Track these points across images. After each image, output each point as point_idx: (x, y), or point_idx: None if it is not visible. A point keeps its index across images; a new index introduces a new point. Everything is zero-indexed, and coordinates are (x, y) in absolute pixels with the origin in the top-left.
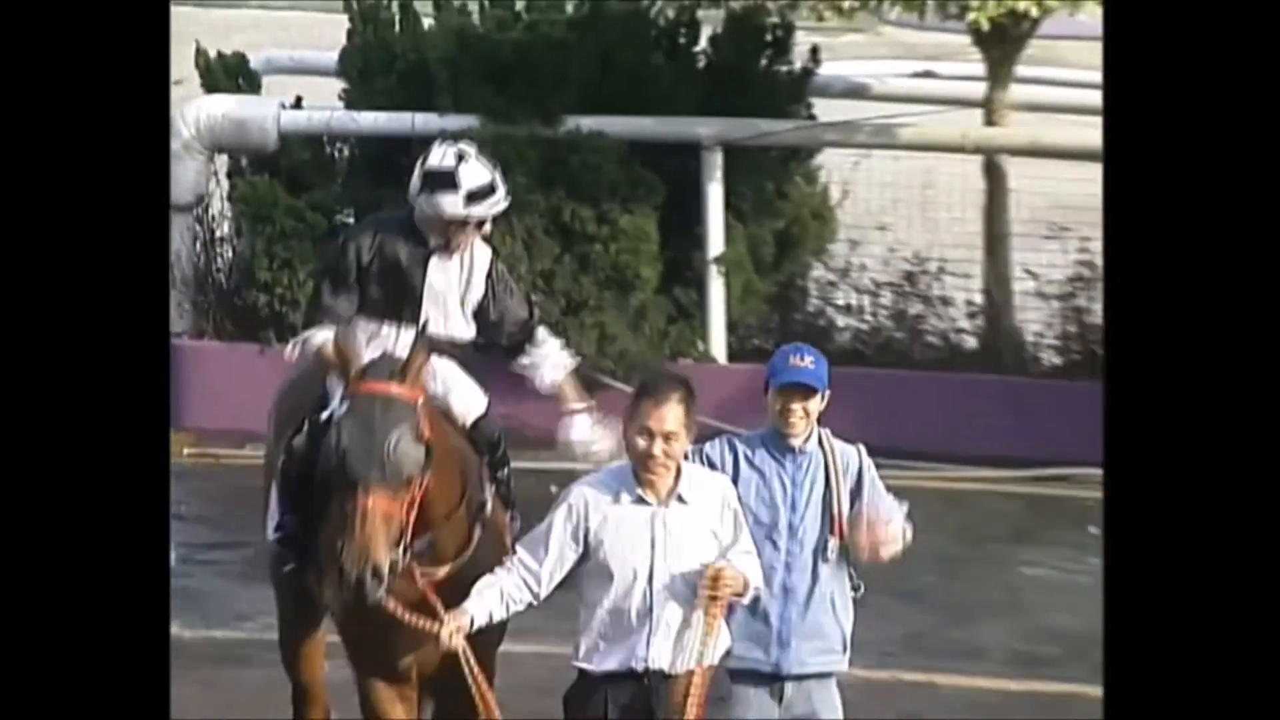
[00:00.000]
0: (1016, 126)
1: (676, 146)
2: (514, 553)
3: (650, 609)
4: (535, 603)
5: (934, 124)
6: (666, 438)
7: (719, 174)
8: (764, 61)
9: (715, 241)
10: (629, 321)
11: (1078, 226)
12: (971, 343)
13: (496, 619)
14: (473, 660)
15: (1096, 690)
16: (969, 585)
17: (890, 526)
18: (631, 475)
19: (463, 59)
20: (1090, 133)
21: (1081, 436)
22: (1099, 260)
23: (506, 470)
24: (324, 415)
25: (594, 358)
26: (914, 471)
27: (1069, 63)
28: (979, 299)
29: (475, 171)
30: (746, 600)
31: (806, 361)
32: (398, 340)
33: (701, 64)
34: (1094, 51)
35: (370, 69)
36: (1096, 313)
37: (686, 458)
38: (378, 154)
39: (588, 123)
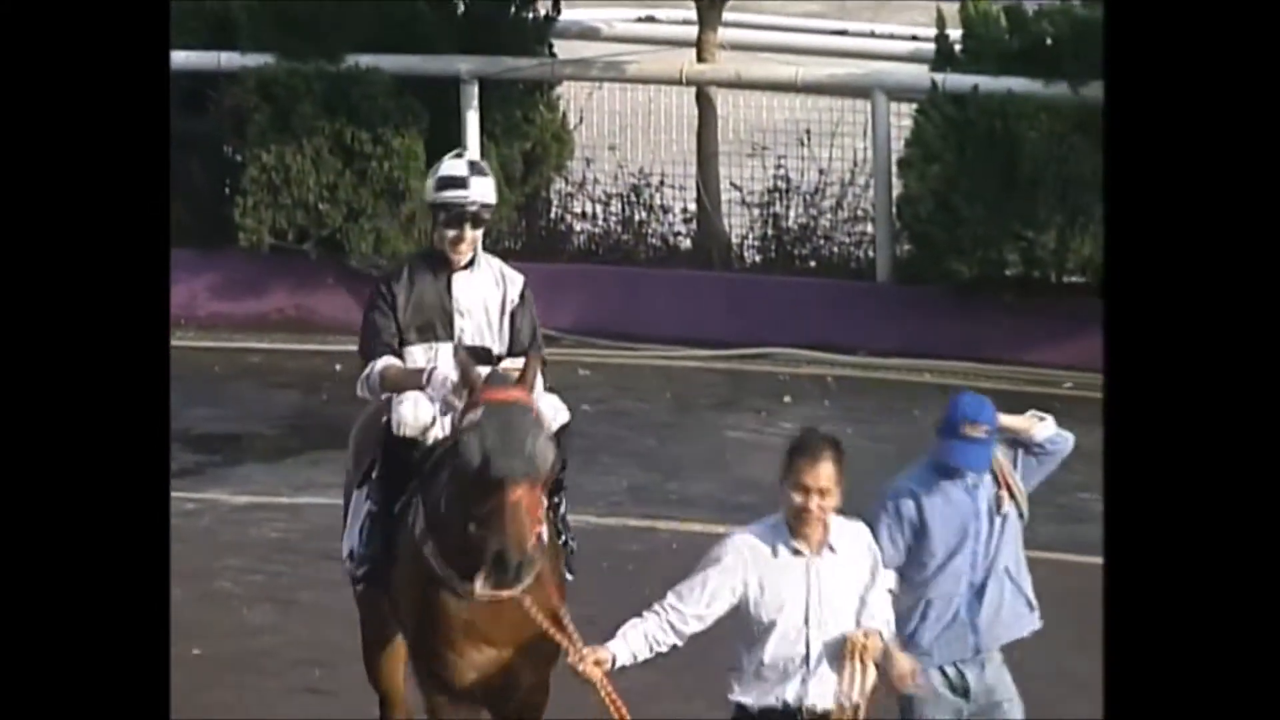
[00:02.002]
0: (723, 63)
1: (439, 80)
2: (670, 597)
3: (807, 652)
4: (678, 645)
5: (654, 61)
6: (821, 493)
7: (475, 103)
8: (513, 9)
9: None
10: (401, 226)
11: (774, 147)
12: (687, 244)
13: (639, 659)
14: (613, 692)
15: None
16: (682, 446)
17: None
18: (785, 528)
19: (261, 8)
20: (783, 68)
21: (777, 321)
22: (792, 174)
23: (563, 495)
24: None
25: (370, 257)
26: (638, 352)
27: (766, 9)
28: (693, 207)
29: (454, 165)
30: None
31: (980, 432)
32: (437, 356)
33: (460, 10)
34: None
35: (183, 16)
36: (791, 217)
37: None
38: (191, 88)
39: (365, 60)
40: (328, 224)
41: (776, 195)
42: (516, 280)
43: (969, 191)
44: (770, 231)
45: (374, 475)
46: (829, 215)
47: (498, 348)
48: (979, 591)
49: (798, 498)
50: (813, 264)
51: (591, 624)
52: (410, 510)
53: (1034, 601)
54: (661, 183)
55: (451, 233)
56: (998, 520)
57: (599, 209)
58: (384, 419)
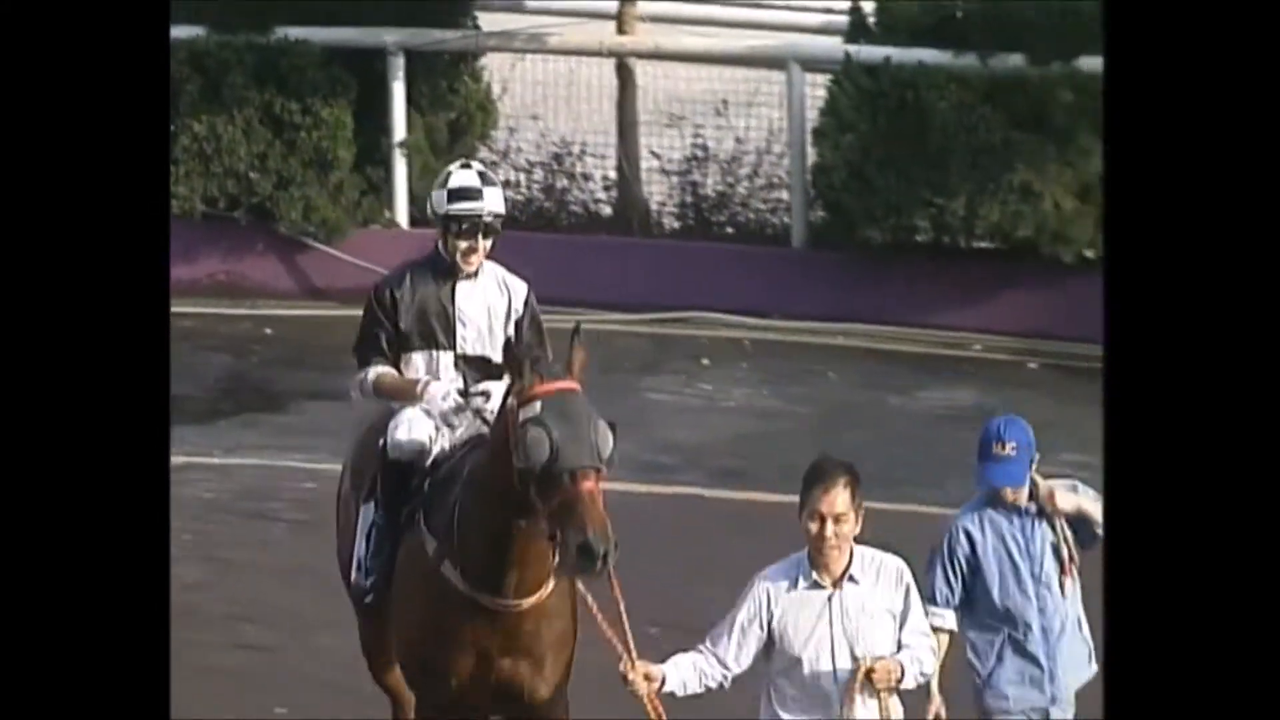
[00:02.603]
0: (643, 35)
1: (367, 52)
2: (706, 641)
3: (835, 684)
4: (725, 684)
5: (576, 33)
6: (836, 520)
7: (402, 74)
8: None
9: (399, 129)
10: (329, 194)
11: (692, 117)
12: (608, 211)
13: (688, 690)
14: (659, 707)
15: (706, 491)
16: (604, 407)
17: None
18: (806, 561)
19: None
20: (701, 40)
21: (695, 286)
22: (710, 143)
23: None
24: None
25: (300, 224)
26: (559, 316)
27: None
28: (613, 175)
29: (464, 175)
30: (909, 685)
31: (1008, 450)
32: (438, 363)
33: None
34: None
35: None
36: (709, 185)
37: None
38: None
39: (294, 32)
40: (258, 192)
41: (694, 164)
42: (520, 288)
43: (881, 160)
44: (689, 199)
45: (377, 491)
46: (745, 183)
47: (498, 356)
48: (1054, 639)
49: (813, 525)
50: (730, 230)
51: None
52: (415, 528)
53: (1093, 650)
54: (583, 151)
55: (465, 244)
56: (1068, 574)
57: (522, 177)
58: (382, 440)
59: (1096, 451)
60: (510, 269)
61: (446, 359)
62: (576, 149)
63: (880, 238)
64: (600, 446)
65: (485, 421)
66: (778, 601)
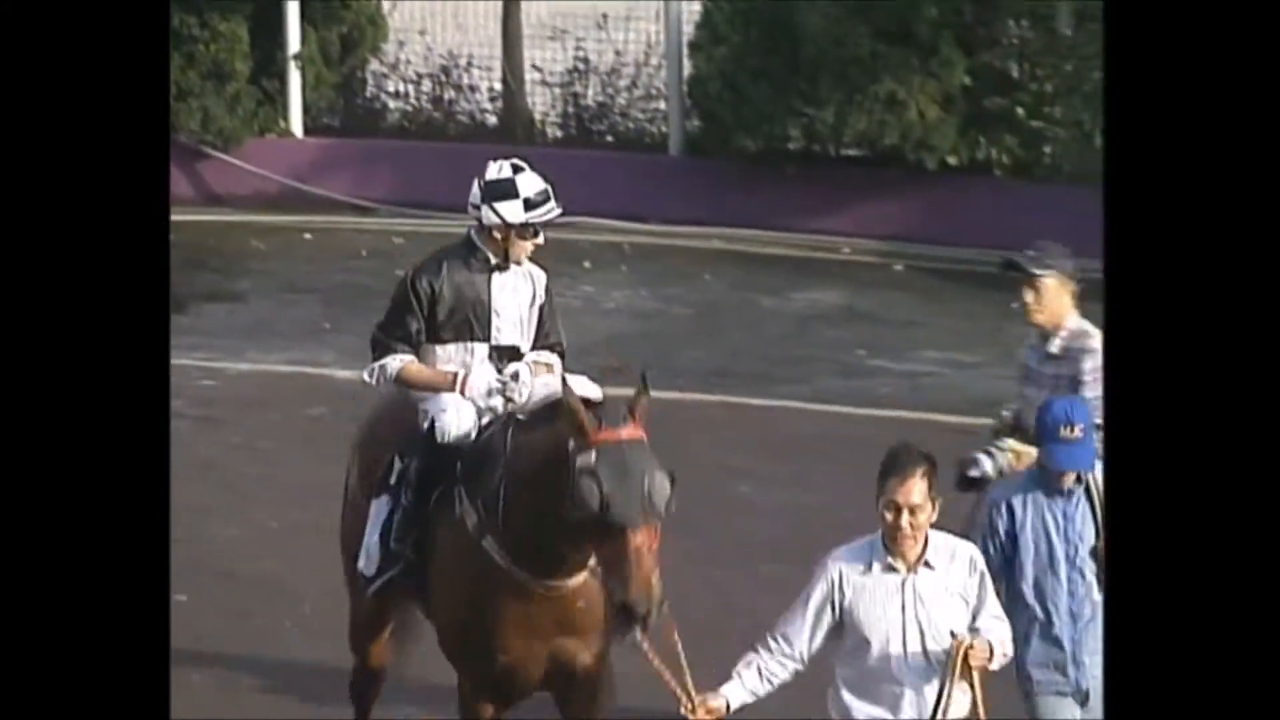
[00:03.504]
0: None
1: None
2: (777, 626)
3: (906, 668)
4: (801, 671)
5: None
6: (913, 510)
7: None
8: None
9: (293, 42)
10: (226, 105)
11: (573, 30)
12: (493, 121)
13: (758, 697)
14: None
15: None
16: None
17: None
18: (881, 544)
19: None
20: None
21: (577, 193)
22: (591, 56)
23: None
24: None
25: (198, 133)
26: (448, 222)
27: None
28: (498, 87)
29: (531, 181)
30: (995, 667)
31: (1076, 433)
32: (472, 355)
33: None
34: None
35: None
36: (590, 96)
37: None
38: None
39: None
40: None
41: (576, 75)
42: (540, 276)
43: (754, 71)
44: (570, 109)
45: (405, 474)
46: (624, 94)
47: (525, 345)
48: (1082, 624)
49: (889, 515)
50: (610, 139)
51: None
52: (453, 504)
53: None
54: (469, 64)
55: (528, 243)
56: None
57: (411, 88)
58: (413, 421)
59: (956, 349)
60: (402, 176)
61: (481, 350)
62: (463, 62)
63: (753, 146)
64: (654, 499)
65: (509, 400)
66: (850, 583)
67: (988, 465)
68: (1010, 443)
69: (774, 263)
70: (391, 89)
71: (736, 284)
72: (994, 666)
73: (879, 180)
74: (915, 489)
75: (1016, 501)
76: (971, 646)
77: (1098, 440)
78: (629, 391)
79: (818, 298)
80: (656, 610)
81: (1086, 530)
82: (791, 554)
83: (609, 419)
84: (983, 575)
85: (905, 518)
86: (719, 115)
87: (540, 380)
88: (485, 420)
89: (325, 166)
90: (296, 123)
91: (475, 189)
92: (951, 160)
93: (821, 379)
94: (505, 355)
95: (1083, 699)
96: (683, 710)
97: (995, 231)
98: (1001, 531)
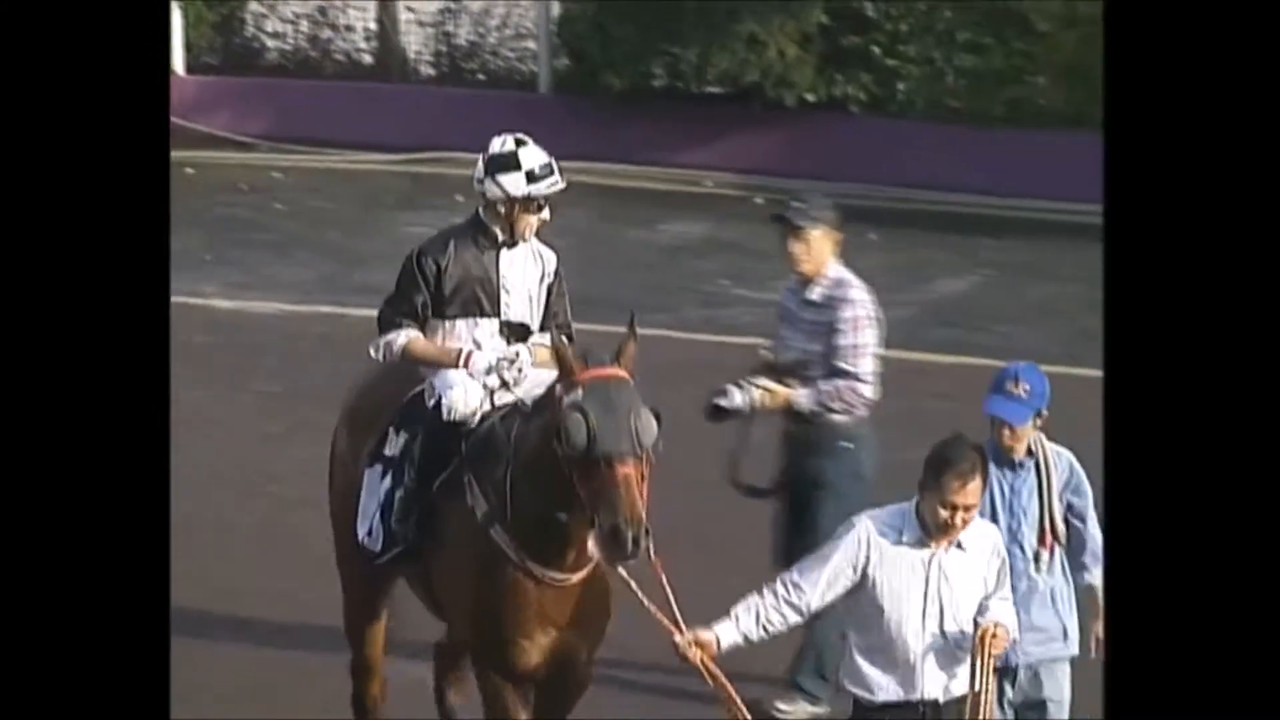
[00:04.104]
0: None
1: None
2: (788, 573)
3: (921, 644)
4: (799, 621)
5: None
6: (967, 509)
7: None
8: None
9: None
10: None
11: None
12: (368, 59)
13: (749, 642)
14: (718, 675)
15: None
16: (366, 241)
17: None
18: (914, 515)
19: None
20: None
21: (449, 129)
22: None
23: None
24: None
25: None
26: (326, 156)
27: None
28: (374, 26)
29: (533, 154)
30: (1007, 647)
31: (1020, 389)
32: (480, 331)
33: None
34: None
35: None
36: (462, 35)
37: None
38: None
39: None
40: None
41: (448, 15)
42: (550, 257)
43: (621, 12)
44: (443, 48)
45: (402, 450)
46: (495, 33)
47: (535, 323)
48: (1017, 600)
49: (943, 513)
50: (481, 77)
51: (272, 398)
52: (461, 490)
53: (1071, 632)
54: (345, 4)
55: (533, 218)
56: (1046, 545)
57: (289, 28)
58: (406, 389)
59: None
60: (281, 113)
61: (489, 326)
62: (339, 2)
63: (620, 84)
64: (641, 434)
65: (507, 386)
66: (878, 548)
67: (737, 397)
68: (762, 380)
69: (640, 196)
70: (270, 28)
71: (604, 217)
72: (1007, 647)
73: (741, 117)
74: (973, 489)
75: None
76: (995, 635)
77: (1040, 416)
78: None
79: (682, 230)
80: (644, 538)
81: (1031, 505)
82: (658, 476)
83: (595, 360)
84: (1003, 560)
85: (960, 515)
86: (587, 54)
87: (545, 373)
88: (495, 404)
89: (206, 103)
90: (178, 60)
91: (479, 164)
92: (810, 97)
93: (686, 308)
94: (515, 331)
95: (1011, 676)
96: (675, 639)
97: (852, 165)
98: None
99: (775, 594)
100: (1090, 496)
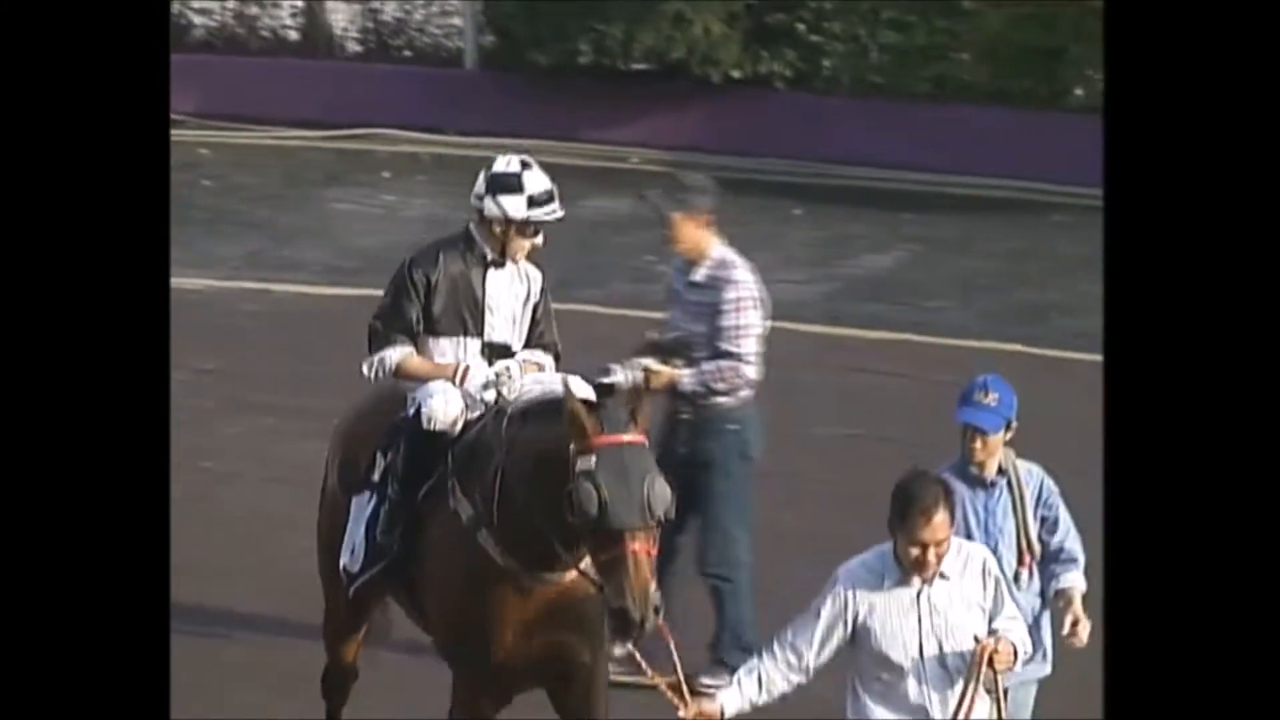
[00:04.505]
0: None
1: None
2: (783, 634)
3: (924, 680)
4: (803, 684)
5: None
6: (938, 544)
7: None
8: None
9: None
10: None
11: None
12: (295, 36)
13: (754, 706)
14: None
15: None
16: (293, 217)
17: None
18: (893, 558)
19: None
20: None
21: (376, 105)
22: None
23: None
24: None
25: None
26: (253, 133)
27: None
28: (300, 3)
29: (537, 178)
30: (1018, 669)
31: (990, 399)
32: (464, 350)
33: None
34: None
35: None
36: (388, 11)
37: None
38: None
39: None
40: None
41: None
42: (536, 276)
43: None
44: (370, 24)
45: (385, 470)
46: (422, 9)
47: (516, 344)
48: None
49: (914, 551)
50: (408, 54)
51: (203, 374)
52: (446, 498)
53: (1047, 651)
54: None
55: (527, 242)
56: (1024, 565)
57: (216, 4)
58: (396, 414)
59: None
60: (208, 90)
61: (472, 346)
62: None
63: (546, 60)
64: (653, 505)
65: (500, 395)
66: (863, 599)
67: (619, 375)
68: (646, 360)
69: (566, 172)
70: (196, 5)
71: None
72: (1016, 668)
73: (666, 93)
74: (941, 525)
75: (949, 477)
76: (996, 651)
77: (1010, 427)
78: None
79: (607, 206)
80: (652, 618)
81: (1007, 524)
82: None
83: (610, 422)
84: (997, 580)
85: (932, 552)
86: (513, 31)
87: (531, 376)
88: (476, 414)
89: None
90: None
91: (480, 180)
92: (735, 73)
93: (613, 283)
94: (497, 352)
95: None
96: (680, 714)
97: (777, 141)
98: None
99: (774, 655)
100: (1060, 505)
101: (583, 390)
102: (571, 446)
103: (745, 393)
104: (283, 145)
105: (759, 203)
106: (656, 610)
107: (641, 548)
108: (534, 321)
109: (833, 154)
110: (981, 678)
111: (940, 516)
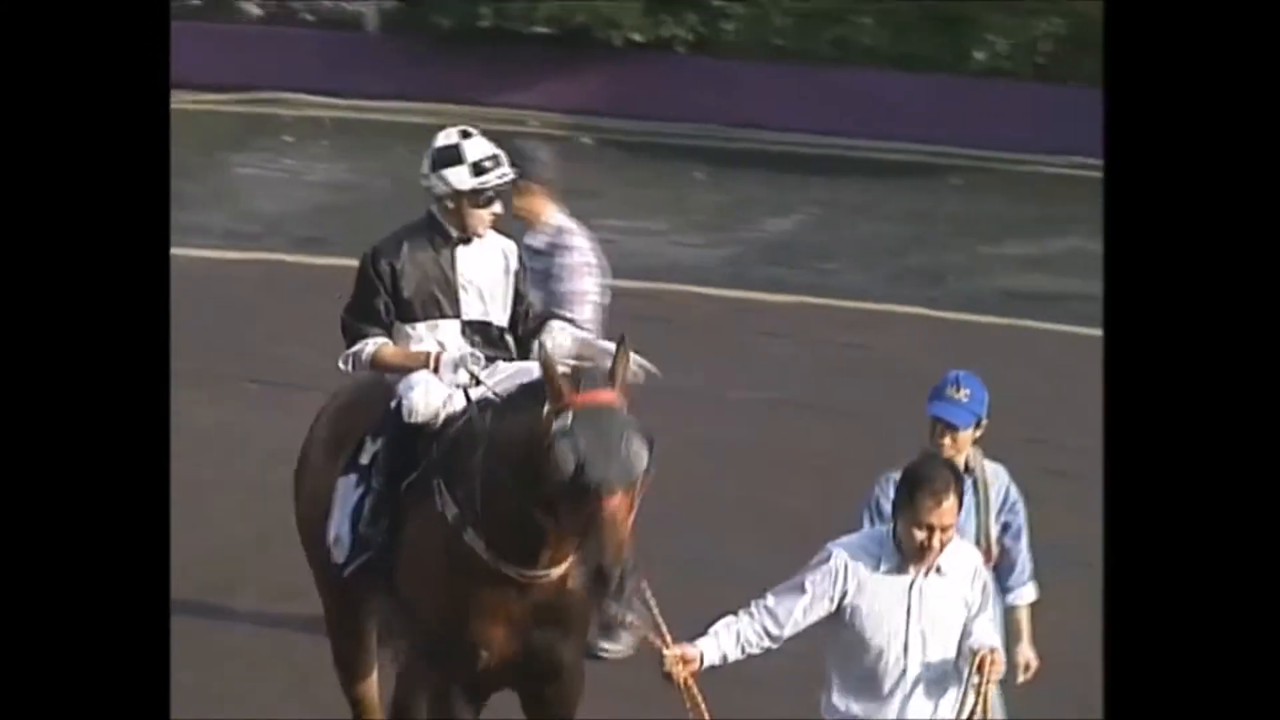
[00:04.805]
0: None
1: None
2: (763, 599)
3: (904, 674)
4: (773, 648)
5: None
6: (944, 530)
7: None
8: None
9: None
10: None
11: None
12: (196, 2)
13: (728, 661)
14: (696, 694)
15: (289, 257)
16: (198, 183)
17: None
18: (892, 542)
19: None
20: None
21: (278, 69)
22: None
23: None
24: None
25: None
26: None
27: None
28: None
29: (478, 145)
30: (1003, 671)
31: (961, 394)
32: (440, 332)
33: None
34: None
35: None
36: None
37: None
38: None
39: None
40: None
41: None
42: (511, 247)
43: None
44: None
45: (374, 457)
46: None
47: (499, 320)
48: None
49: (919, 534)
50: (309, 18)
51: None
52: (430, 493)
53: (1001, 654)
54: None
55: (484, 212)
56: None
57: None
58: (382, 402)
59: (639, 217)
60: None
61: (450, 327)
62: None
63: (448, 24)
64: (632, 463)
65: (479, 381)
66: (855, 578)
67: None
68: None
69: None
70: None
71: None
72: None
73: (568, 57)
74: (949, 510)
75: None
76: (993, 662)
77: (980, 425)
78: (329, 260)
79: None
80: (630, 576)
81: (969, 524)
82: None
83: (587, 383)
84: (985, 584)
85: (937, 537)
86: None
87: (514, 366)
88: (460, 407)
89: None
90: None
91: (425, 159)
92: (637, 37)
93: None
94: (477, 331)
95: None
96: (664, 652)
97: (679, 105)
98: (886, 511)
99: (752, 617)
100: (1024, 514)
101: (598, 347)
102: (547, 407)
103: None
104: (184, 109)
105: (661, 167)
106: (635, 569)
107: (619, 505)
108: (518, 293)
109: (734, 118)
110: (982, 687)
111: (949, 501)
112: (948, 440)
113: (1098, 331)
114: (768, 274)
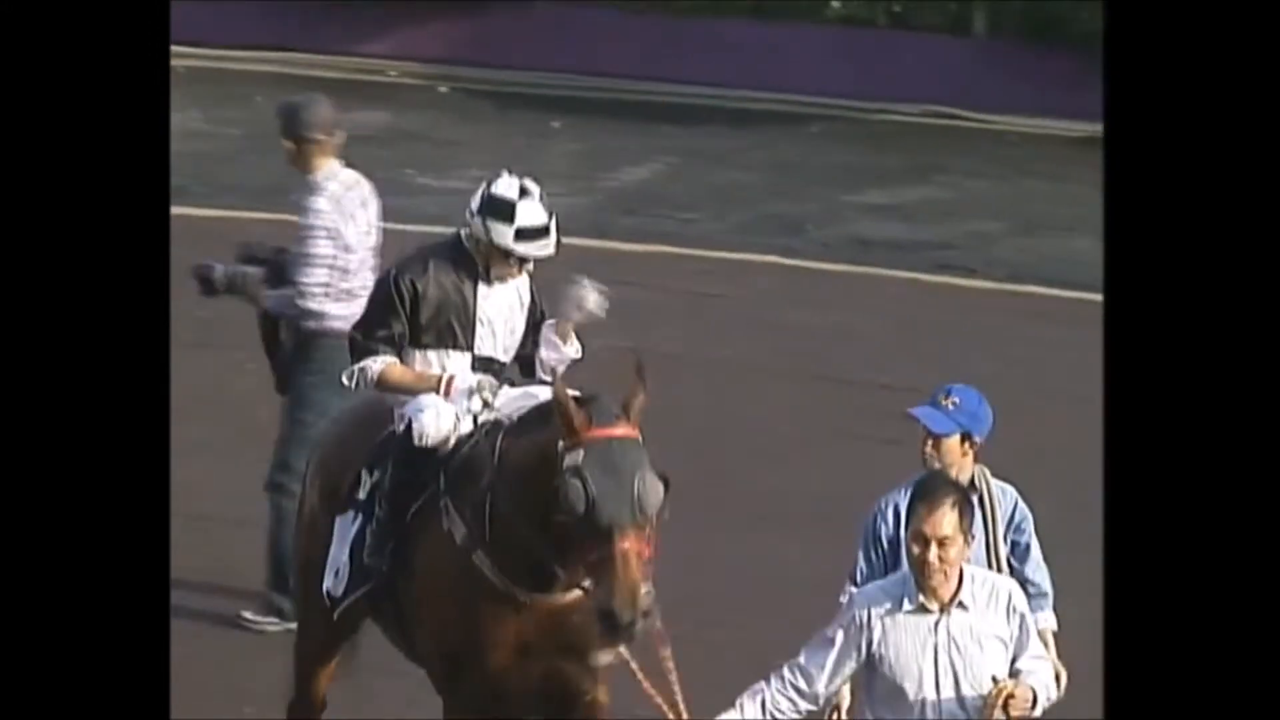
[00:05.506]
0: None
1: None
2: (795, 659)
3: (939, 714)
4: (812, 711)
5: None
6: (941, 543)
7: None
8: None
9: None
10: None
11: None
12: None
13: None
14: None
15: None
16: None
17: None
18: (912, 582)
19: None
20: None
21: (230, 20)
22: None
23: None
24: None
25: None
26: None
27: None
28: None
29: (532, 210)
30: (1037, 713)
31: (948, 403)
32: (450, 363)
33: None
34: None
35: None
36: None
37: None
38: None
39: None
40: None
41: None
42: (525, 283)
43: None
44: None
45: (372, 488)
46: None
47: (505, 356)
48: None
49: (916, 547)
50: None
51: None
52: (438, 517)
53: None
54: None
55: (512, 269)
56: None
57: None
58: (382, 431)
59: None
60: None
61: (461, 360)
62: None
63: None
64: (644, 501)
65: (489, 406)
66: (878, 624)
67: (218, 272)
68: (243, 269)
69: (324, 85)
70: None
71: None
72: (1036, 712)
73: (426, 7)
74: (945, 520)
75: (902, 507)
76: (1012, 695)
77: (971, 440)
78: (187, 210)
79: (365, 118)
80: (642, 621)
81: (977, 545)
82: None
83: (600, 416)
84: (1023, 616)
85: (934, 551)
86: None
87: (521, 389)
88: (467, 430)
89: None
90: None
91: (478, 194)
92: None
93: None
94: (485, 366)
95: None
96: (670, 712)
97: (536, 54)
98: (884, 539)
99: (783, 680)
100: (1032, 532)
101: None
102: (560, 442)
103: (311, 323)
104: None
105: (519, 116)
106: (647, 614)
107: (632, 546)
108: (526, 329)
109: (593, 67)
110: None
111: (944, 513)
112: (927, 446)
113: (950, 279)
114: (624, 223)
